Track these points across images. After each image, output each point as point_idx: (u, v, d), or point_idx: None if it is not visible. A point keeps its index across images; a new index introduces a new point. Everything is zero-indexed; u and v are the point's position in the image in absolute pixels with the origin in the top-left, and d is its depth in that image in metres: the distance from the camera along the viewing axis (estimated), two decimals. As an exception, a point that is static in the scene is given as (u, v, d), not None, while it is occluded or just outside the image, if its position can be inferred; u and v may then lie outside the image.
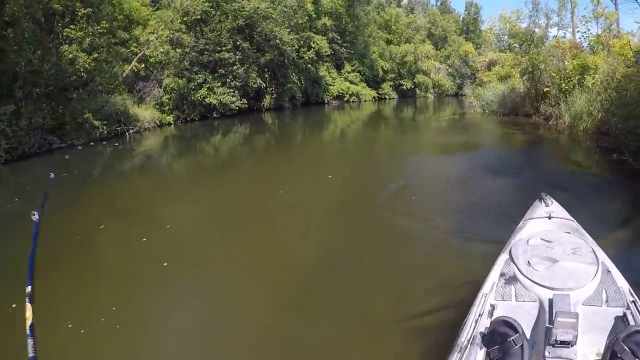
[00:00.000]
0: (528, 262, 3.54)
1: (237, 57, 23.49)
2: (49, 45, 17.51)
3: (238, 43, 23.69)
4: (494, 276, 3.58)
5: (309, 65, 27.23)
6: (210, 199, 11.19)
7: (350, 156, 15.81)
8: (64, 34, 18.24)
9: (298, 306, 5.13)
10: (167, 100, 22.41)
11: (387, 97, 42.36)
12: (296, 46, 25.16)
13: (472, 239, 6.48)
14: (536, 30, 27.33)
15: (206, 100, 22.66)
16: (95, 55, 18.51)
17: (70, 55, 17.56)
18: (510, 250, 3.81)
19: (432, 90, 49.23)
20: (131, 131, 20.84)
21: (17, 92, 16.88)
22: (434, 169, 12.56)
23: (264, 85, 24.18)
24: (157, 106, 22.35)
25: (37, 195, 12.00)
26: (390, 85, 43.26)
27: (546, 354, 2.76)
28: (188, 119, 22.67)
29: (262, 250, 7.03)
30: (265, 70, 24.52)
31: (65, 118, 18.89)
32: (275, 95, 24.54)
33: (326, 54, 28.83)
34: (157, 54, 22.28)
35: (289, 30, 24.91)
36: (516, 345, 2.68)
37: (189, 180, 14.78)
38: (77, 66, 17.75)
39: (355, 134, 21.76)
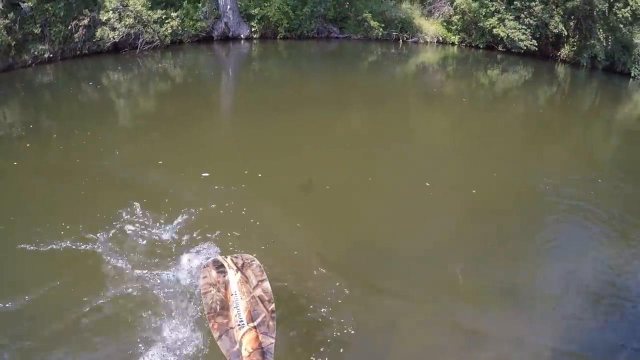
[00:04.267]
0: None
1: (538, -9, 20.51)
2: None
3: (541, -25, 20.56)
4: None
5: (621, 26, 22.69)
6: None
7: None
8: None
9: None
10: (455, 20, 21.13)
11: None
12: (609, -2, 21.03)
13: None
14: None
15: (494, 30, 20.56)
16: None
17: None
18: None
19: None
20: (409, 40, 20.48)
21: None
22: None
23: (565, 34, 20.89)
24: (445, 24, 21.28)
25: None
26: None
27: None
28: (473, 45, 21.30)
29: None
30: (571, 17, 21.07)
31: (348, 13, 20.72)
32: (574, 49, 21.10)
33: (645, 16, 23.74)
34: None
35: (602, -26, 20.75)
36: None
37: (450, 104, 15.00)
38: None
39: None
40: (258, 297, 4.57)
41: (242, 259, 5.11)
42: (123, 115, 12.60)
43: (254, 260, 5.07)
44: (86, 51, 15.83)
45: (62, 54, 15.44)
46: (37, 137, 10.38)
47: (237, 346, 4.13)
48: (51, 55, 15.17)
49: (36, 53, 14.91)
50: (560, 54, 21.14)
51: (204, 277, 4.93)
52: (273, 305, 4.51)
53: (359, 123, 12.41)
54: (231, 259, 5.08)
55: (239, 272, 4.82)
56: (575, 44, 21.12)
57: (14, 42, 14.45)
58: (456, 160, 10.40)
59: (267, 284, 4.72)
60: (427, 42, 21.10)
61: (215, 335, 4.24)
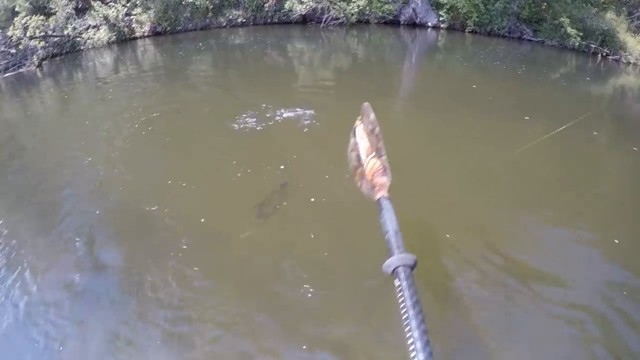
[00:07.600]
0: None
1: None
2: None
3: None
4: None
5: None
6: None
7: None
8: None
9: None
10: (667, 40, 18.09)
11: None
12: None
13: None
14: None
15: None
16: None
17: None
18: None
19: None
20: (609, 57, 18.12)
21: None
22: None
23: None
24: (655, 42, 18.34)
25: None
26: None
27: None
28: (685, 73, 17.98)
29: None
30: None
31: (544, 15, 18.96)
32: None
33: None
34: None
35: None
36: None
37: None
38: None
39: None
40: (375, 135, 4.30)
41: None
42: (299, 80, 12.62)
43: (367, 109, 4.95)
44: (276, 20, 16.48)
45: (253, 20, 16.26)
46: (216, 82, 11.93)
47: (368, 179, 3.88)
48: (244, 20, 16.00)
49: (230, 17, 15.91)
50: None
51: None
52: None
53: (536, 144, 9.44)
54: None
55: (360, 122, 4.52)
56: None
57: (212, 6, 15.44)
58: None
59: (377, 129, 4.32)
60: (629, 62, 18.14)
61: (358, 184, 4.09)
